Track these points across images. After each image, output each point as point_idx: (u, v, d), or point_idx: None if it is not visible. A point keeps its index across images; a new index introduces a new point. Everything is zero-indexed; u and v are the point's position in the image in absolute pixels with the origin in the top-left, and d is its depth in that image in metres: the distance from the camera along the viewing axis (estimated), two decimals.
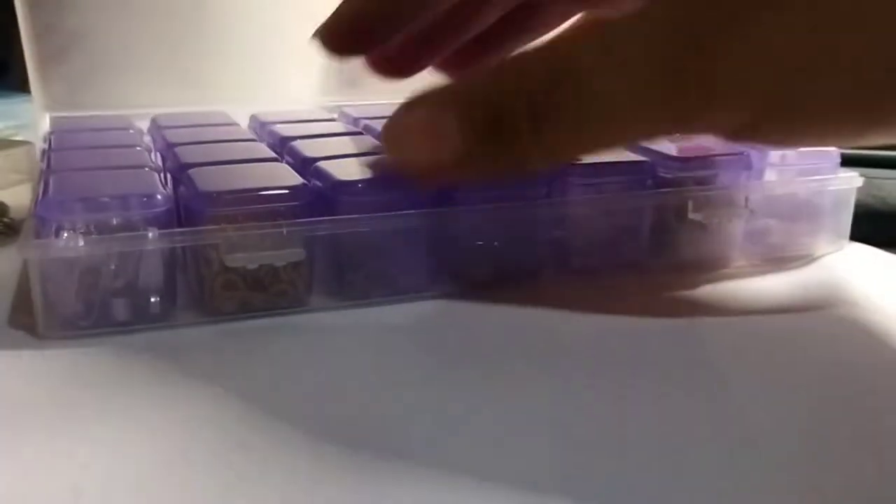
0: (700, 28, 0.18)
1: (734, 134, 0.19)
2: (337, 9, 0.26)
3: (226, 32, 0.44)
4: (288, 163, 0.27)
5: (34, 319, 0.22)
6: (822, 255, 0.31)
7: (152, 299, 0.23)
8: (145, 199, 0.23)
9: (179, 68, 0.44)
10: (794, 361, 0.22)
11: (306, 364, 0.21)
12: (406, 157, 0.20)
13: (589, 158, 0.26)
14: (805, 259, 0.30)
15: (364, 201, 0.24)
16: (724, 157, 0.29)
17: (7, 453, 0.18)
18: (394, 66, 0.29)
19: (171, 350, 0.22)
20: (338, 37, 0.27)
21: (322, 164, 0.26)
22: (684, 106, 0.18)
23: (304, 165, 0.26)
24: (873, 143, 0.19)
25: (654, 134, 0.20)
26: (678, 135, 0.19)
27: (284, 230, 0.23)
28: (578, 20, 0.30)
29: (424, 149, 0.20)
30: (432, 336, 0.23)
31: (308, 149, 0.28)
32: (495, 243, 0.26)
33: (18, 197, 0.33)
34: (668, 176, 0.28)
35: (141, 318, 0.23)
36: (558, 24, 0.30)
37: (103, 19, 0.41)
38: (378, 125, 0.31)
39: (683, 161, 0.28)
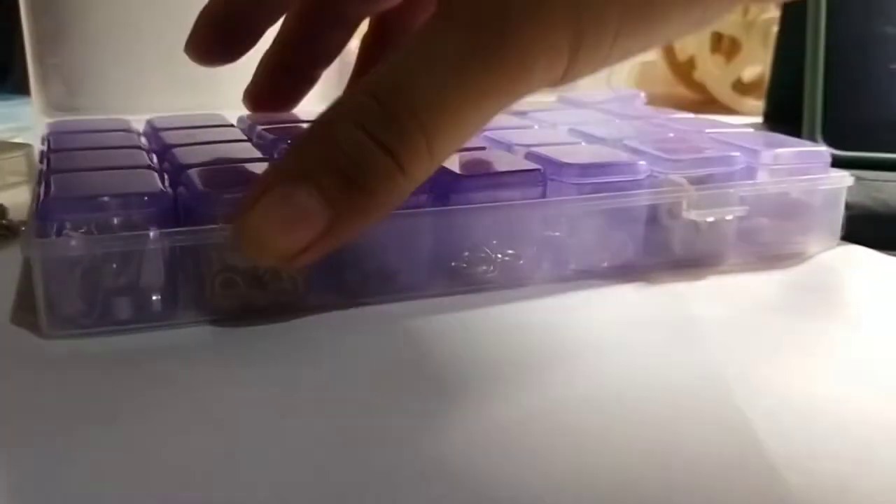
0: None
1: (561, 73, 0.19)
2: (198, 17, 0.29)
3: None
4: None
5: (37, 318, 0.22)
6: (814, 254, 0.31)
7: (153, 298, 0.23)
8: (146, 198, 0.23)
9: (178, 73, 0.44)
10: (780, 362, 0.23)
11: (306, 363, 0.22)
12: (266, 250, 0.19)
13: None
14: (797, 258, 0.31)
15: None
16: (718, 156, 0.29)
17: (10, 451, 0.18)
18: (274, 101, 0.33)
19: (172, 349, 0.22)
20: (201, 45, 0.29)
21: None
22: (505, 64, 0.18)
23: None
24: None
25: (490, 107, 0.19)
26: (515, 98, 0.19)
27: None
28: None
29: (284, 235, 0.18)
30: (432, 333, 0.23)
31: None
32: (494, 241, 0.26)
33: (17, 199, 0.33)
34: (662, 175, 0.28)
35: (142, 317, 0.23)
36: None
37: (104, 24, 0.41)
38: None
39: (676, 160, 0.29)
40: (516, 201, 0.26)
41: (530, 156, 0.29)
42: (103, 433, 0.18)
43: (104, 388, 0.20)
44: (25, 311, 0.23)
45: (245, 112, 0.35)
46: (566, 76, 0.19)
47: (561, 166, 0.27)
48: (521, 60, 0.18)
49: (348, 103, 0.19)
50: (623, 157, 0.29)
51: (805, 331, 0.25)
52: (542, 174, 0.26)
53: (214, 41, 0.30)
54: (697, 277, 0.28)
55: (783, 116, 0.51)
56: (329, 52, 0.33)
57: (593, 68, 0.19)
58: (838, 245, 0.32)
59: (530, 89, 0.19)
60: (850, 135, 0.44)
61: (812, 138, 0.44)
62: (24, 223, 0.31)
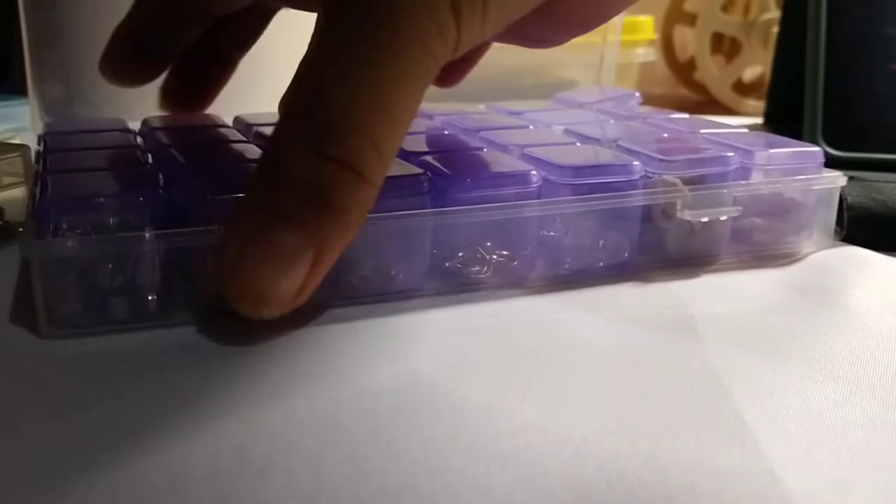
0: None
1: (465, 31, 0.19)
2: (110, 37, 0.29)
3: None
4: None
5: (36, 319, 0.23)
6: (808, 254, 0.31)
7: (150, 298, 0.23)
8: (142, 198, 0.23)
9: None
10: (787, 358, 0.23)
11: (303, 361, 0.22)
12: (276, 301, 0.19)
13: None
14: (790, 257, 0.31)
15: None
16: (712, 157, 0.30)
17: (6, 452, 0.18)
18: (186, 99, 0.33)
19: (168, 349, 0.22)
20: (114, 66, 0.29)
21: None
22: (401, 39, 0.18)
23: None
24: None
25: (413, 85, 0.19)
26: (433, 68, 0.19)
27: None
28: None
29: (284, 279, 0.19)
30: (429, 333, 0.24)
31: None
32: (488, 243, 0.26)
33: (14, 199, 0.34)
34: (655, 175, 0.28)
35: (140, 317, 0.23)
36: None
37: (102, 25, 0.41)
38: None
39: (670, 161, 0.29)
40: (511, 202, 0.26)
41: (525, 157, 0.29)
42: (103, 434, 0.18)
43: (102, 388, 0.20)
44: (24, 313, 0.24)
45: (243, 112, 0.35)
46: (461, 41, 0.19)
47: (555, 167, 0.27)
48: (416, 37, 0.19)
49: (289, 131, 0.19)
50: (617, 157, 0.29)
51: (802, 330, 0.25)
52: (537, 175, 0.26)
53: (126, 62, 0.30)
54: (692, 276, 0.28)
55: (784, 117, 0.51)
56: (244, 39, 0.33)
57: (482, 28, 0.20)
58: (834, 245, 0.32)
59: (437, 61, 0.19)
60: (850, 136, 0.45)
61: (812, 139, 0.44)
62: (21, 223, 0.31)
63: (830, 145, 0.44)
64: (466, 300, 0.25)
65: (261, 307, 0.19)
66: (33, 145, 0.34)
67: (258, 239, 0.18)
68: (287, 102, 0.19)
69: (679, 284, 0.28)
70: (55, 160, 0.28)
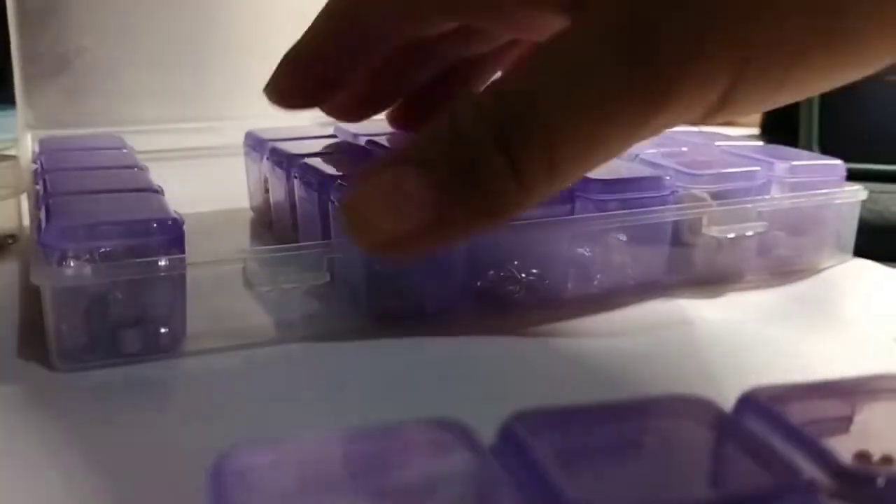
0: (639, 5, 0.17)
1: (709, 110, 0.17)
2: (280, 62, 0.26)
3: (216, 49, 0.43)
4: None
5: (46, 349, 0.21)
6: (826, 268, 0.31)
7: (162, 330, 0.22)
8: (155, 224, 0.22)
9: (167, 84, 0.43)
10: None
11: (325, 394, 0.21)
12: (369, 231, 0.18)
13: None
14: (811, 272, 0.30)
15: None
16: (740, 172, 0.29)
17: (21, 487, 0.17)
18: (351, 111, 0.29)
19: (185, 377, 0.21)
20: (286, 91, 0.26)
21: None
22: (652, 89, 0.17)
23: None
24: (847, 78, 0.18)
25: (625, 133, 0.18)
26: (653, 130, 0.17)
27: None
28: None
29: (389, 217, 0.18)
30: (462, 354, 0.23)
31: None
32: (515, 262, 0.25)
33: (3, 212, 0.32)
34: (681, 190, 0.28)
35: (151, 348, 0.22)
36: (498, 67, 0.29)
37: (92, 37, 0.40)
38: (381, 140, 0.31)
39: (698, 175, 0.28)
40: (545, 218, 0.25)
41: None
42: (115, 471, 0.17)
43: (114, 423, 0.19)
44: (32, 344, 0.22)
45: (246, 126, 0.33)
46: (713, 114, 0.17)
47: (585, 182, 0.26)
48: (668, 90, 0.17)
49: (475, 100, 0.18)
50: (646, 172, 0.28)
51: (822, 347, 0.24)
52: (571, 191, 0.25)
53: (297, 86, 0.27)
54: (719, 294, 0.28)
55: (780, 127, 0.51)
56: (397, 90, 0.30)
57: (749, 110, 0.18)
58: (850, 259, 0.31)
59: (669, 123, 0.18)
60: (846, 146, 0.44)
61: (809, 149, 0.44)
62: (10, 236, 0.30)
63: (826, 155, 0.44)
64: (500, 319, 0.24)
65: (360, 231, 0.18)
66: (22, 156, 0.33)
67: (391, 171, 0.18)
68: (498, 79, 0.18)
69: (707, 302, 0.27)
70: (56, 180, 0.26)
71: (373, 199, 0.18)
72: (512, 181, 0.17)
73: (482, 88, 0.19)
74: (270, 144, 0.30)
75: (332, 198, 0.25)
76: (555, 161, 0.17)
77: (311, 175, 0.27)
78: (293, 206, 0.28)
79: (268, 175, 0.31)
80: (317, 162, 0.27)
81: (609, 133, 0.17)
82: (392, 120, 0.31)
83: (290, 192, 0.28)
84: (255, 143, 0.32)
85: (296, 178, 0.28)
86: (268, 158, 0.29)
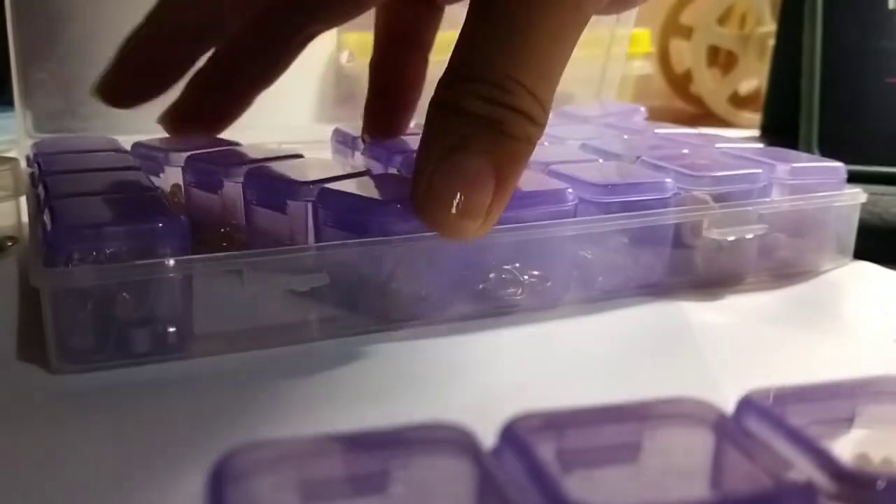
0: None
1: None
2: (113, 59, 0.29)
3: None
4: None
5: (46, 352, 0.21)
6: (826, 270, 0.31)
7: (169, 329, 0.22)
8: (161, 225, 0.22)
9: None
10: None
11: (327, 394, 0.21)
12: (465, 215, 0.20)
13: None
14: (811, 275, 0.30)
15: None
16: (742, 174, 0.29)
17: (23, 494, 0.17)
18: (203, 121, 0.32)
19: (190, 380, 0.21)
20: (115, 87, 0.30)
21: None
22: None
23: None
24: None
25: (563, 32, 0.21)
26: (579, 26, 0.21)
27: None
28: None
29: (472, 198, 0.20)
30: (462, 355, 0.23)
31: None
32: (516, 264, 0.25)
33: (2, 213, 0.32)
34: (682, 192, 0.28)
35: (158, 350, 0.22)
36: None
37: (91, 39, 0.40)
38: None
39: (700, 177, 0.28)
40: (547, 220, 0.25)
41: (551, 174, 0.28)
42: (120, 479, 0.17)
43: (117, 426, 0.19)
44: (32, 344, 0.22)
45: (246, 134, 0.33)
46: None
47: (587, 185, 0.26)
48: None
49: (455, 87, 0.21)
50: (648, 174, 0.28)
51: (823, 349, 0.24)
52: (573, 193, 0.25)
53: (129, 82, 0.30)
54: (720, 296, 0.28)
55: (780, 130, 0.51)
56: (270, 73, 0.32)
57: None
58: (850, 261, 0.31)
59: (586, 15, 0.21)
60: (846, 148, 0.44)
61: (808, 151, 0.44)
62: (10, 238, 0.31)
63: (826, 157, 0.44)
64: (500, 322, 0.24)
65: (454, 228, 0.21)
66: (22, 158, 0.33)
67: (445, 165, 0.20)
68: (453, 60, 0.21)
69: (708, 305, 0.27)
70: (57, 183, 0.26)
71: (451, 192, 0.20)
72: (527, 122, 0.20)
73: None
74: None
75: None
76: (537, 93, 0.21)
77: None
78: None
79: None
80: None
81: (555, 44, 0.21)
82: (369, 133, 0.33)
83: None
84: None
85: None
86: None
